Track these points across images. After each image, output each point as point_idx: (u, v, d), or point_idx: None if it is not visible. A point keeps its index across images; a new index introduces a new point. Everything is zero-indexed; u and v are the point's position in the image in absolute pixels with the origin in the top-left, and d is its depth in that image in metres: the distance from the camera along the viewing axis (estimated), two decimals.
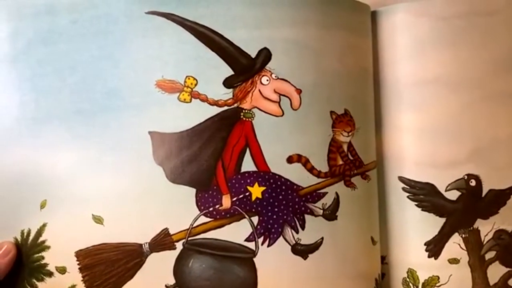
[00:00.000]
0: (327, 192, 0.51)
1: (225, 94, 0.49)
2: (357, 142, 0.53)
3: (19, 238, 0.50)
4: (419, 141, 0.54)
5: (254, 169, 0.49)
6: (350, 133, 0.52)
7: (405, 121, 0.54)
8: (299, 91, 0.50)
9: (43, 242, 0.49)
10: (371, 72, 0.55)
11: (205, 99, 0.48)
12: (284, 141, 0.50)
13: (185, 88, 0.48)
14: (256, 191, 0.48)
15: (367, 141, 0.55)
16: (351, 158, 0.53)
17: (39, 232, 0.49)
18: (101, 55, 0.49)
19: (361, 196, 0.53)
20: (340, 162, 0.52)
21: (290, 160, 0.50)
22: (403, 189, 0.55)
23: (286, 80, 0.50)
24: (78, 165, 0.48)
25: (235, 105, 0.49)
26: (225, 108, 0.49)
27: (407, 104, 0.54)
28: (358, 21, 0.54)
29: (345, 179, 0.53)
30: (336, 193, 0.51)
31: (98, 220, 0.48)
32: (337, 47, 0.52)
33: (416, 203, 0.54)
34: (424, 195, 0.54)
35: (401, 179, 0.55)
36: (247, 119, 0.49)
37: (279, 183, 0.49)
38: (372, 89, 0.55)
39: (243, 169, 0.49)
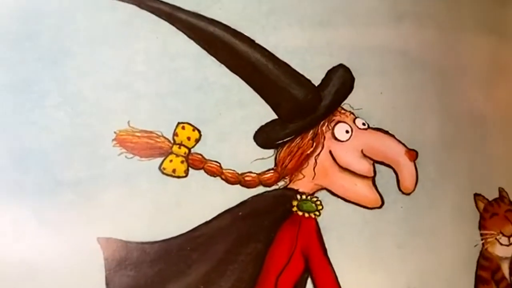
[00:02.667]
0: None
1: (260, 160, 0.33)
2: None
3: None
4: None
5: None
6: None
7: None
8: (413, 155, 0.34)
9: None
10: None
11: (216, 171, 0.32)
12: (386, 260, 0.33)
13: (174, 148, 0.32)
14: None
15: None
16: None
17: None
18: (12, 82, 0.33)
19: None
20: None
21: None
22: None
23: (386, 132, 0.34)
24: None
25: (280, 184, 0.33)
26: (261, 190, 0.33)
27: None
28: (506, 16, 0.41)
29: None
30: None
31: None
32: (479, 67, 0.38)
33: None
34: None
35: None
36: (306, 215, 0.33)
37: None
38: None
39: None
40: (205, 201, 0.32)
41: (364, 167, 0.33)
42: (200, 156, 0.32)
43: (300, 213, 0.33)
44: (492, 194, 0.36)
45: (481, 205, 0.35)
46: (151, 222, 0.32)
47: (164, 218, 0.32)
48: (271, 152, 0.33)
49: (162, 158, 0.32)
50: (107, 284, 0.31)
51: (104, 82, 0.32)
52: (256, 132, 0.33)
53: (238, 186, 0.32)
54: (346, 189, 0.33)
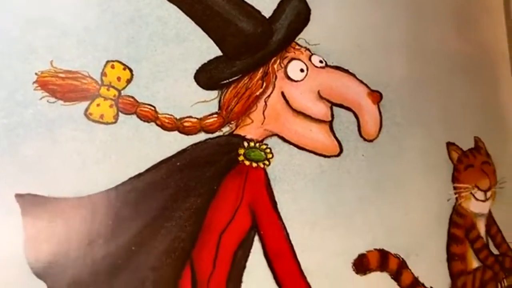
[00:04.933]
0: None
1: (201, 103, 0.31)
2: (502, 213, 0.34)
3: None
4: None
5: (273, 284, 0.29)
6: (489, 193, 0.33)
7: None
8: (377, 97, 0.31)
9: None
10: (508, 59, 0.39)
11: (150, 116, 0.30)
12: (345, 215, 0.31)
13: (102, 90, 0.30)
14: None
15: None
16: (498, 252, 0.33)
17: None
18: None
19: None
20: (475, 264, 0.32)
21: (362, 264, 0.30)
22: None
23: (346, 71, 0.32)
24: None
25: (225, 130, 0.31)
26: (202, 138, 0.30)
27: None
28: None
29: None
30: None
31: None
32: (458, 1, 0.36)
33: None
34: None
35: None
36: (254, 165, 0.30)
37: None
38: None
39: (248, 282, 0.30)
40: (137, 150, 0.29)
41: (320, 110, 0.31)
42: (131, 99, 0.29)
43: (247, 163, 0.31)
44: (467, 144, 0.33)
45: (455, 155, 0.33)
46: (77, 175, 0.29)
47: (91, 170, 0.29)
48: (214, 93, 0.31)
49: (88, 102, 0.29)
50: (25, 242, 0.28)
51: (24, 16, 0.30)
52: (198, 70, 0.30)
53: (176, 133, 0.30)
54: (300, 135, 0.31)
